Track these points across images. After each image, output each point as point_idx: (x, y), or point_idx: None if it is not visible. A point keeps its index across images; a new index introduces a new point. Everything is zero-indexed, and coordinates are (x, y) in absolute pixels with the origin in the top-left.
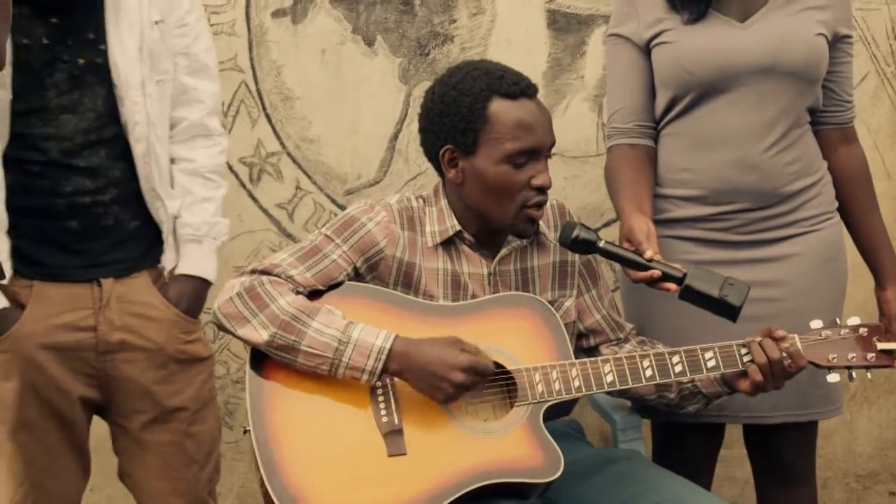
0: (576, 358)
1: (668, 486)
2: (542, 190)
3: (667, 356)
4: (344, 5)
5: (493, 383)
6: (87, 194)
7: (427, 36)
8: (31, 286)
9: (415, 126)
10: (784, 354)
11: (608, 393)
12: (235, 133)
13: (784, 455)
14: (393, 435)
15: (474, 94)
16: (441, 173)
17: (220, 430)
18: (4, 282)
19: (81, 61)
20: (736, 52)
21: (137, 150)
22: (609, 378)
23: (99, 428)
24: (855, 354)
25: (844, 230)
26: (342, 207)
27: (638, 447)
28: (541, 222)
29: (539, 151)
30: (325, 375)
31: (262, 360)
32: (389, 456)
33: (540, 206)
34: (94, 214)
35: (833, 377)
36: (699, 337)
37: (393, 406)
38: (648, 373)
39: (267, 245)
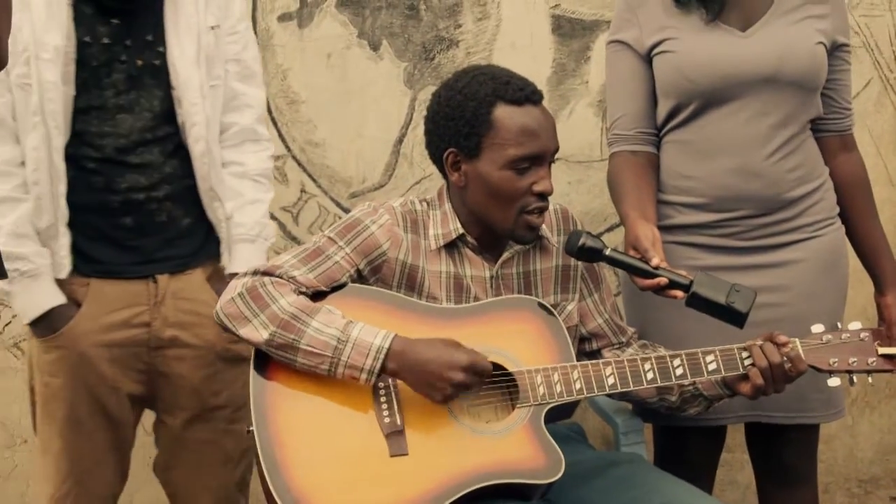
0: (578, 361)
1: (669, 489)
2: (543, 196)
3: (668, 359)
4: (350, 10)
5: (494, 385)
6: (142, 191)
7: (432, 40)
8: (87, 284)
9: (419, 130)
10: (785, 358)
11: (609, 395)
12: None
13: (785, 456)
14: (395, 435)
15: (479, 98)
16: (445, 176)
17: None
18: (62, 276)
19: (139, 62)
20: (738, 61)
21: (196, 150)
22: (610, 380)
23: None
24: (856, 359)
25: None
26: (347, 211)
27: (640, 451)
28: (544, 226)
29: (542, 157)
30: (326, 376)
31: (265, 360)
32: (391, 456)
33: (540, 212)
34: (147, 211)
35: (834, 381)
36: (701, 341)
37: (395, 406)
38: (650, 375)
39: (271, 248)
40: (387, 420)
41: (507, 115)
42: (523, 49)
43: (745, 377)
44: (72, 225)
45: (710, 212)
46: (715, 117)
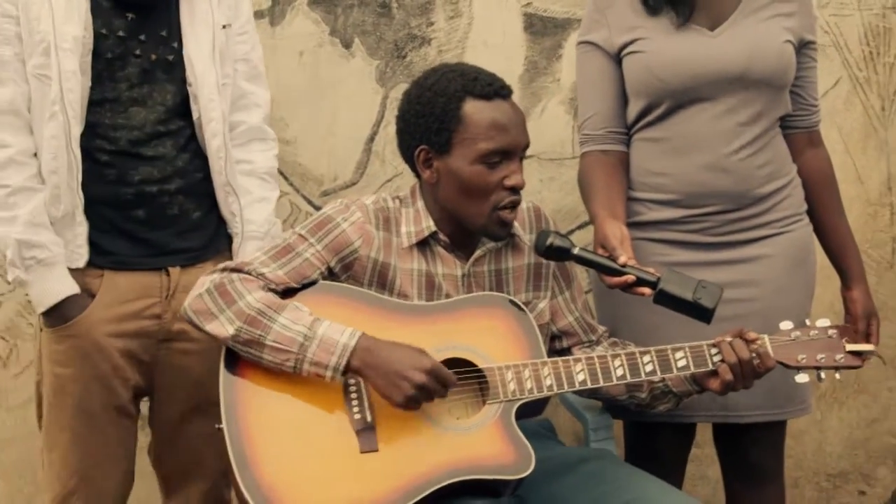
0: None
1: (639, 484)
2: (516, 190)
3: (638, 356)
4: (322, 8)
5: (465, 381)
6: (154, 183)
7: (404, 38)
8: (101, 275)
9: (391, 128)
10: (754, 354)
11: (579, 393)
12: None
13: (752, 454)
14: (365, 432)
15: (448, 94)
16: (417, 174)
17: None
18: (80, 265)
19: (153, 57)
20: (708, 60)
21: (213, 144)
22: (580, 377)
23: None
24: (824, 355)
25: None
26: (318, 209)
27: (609, 446)
28: (516, 224)
29: (513, 152)
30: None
31: (235, 357)
32: (361, 452)
33: (513, 207)
34: (160, 203)
35: (802, 377)
36: (672, 337)
37: (365, 403)
38: (619, 372)
39: None
40: (357, 416)
41: (476, 109)
42: (495, 47)
43: (714, 373)
44: (86, 216)
45: (680, 208)
46: (686, 115)
